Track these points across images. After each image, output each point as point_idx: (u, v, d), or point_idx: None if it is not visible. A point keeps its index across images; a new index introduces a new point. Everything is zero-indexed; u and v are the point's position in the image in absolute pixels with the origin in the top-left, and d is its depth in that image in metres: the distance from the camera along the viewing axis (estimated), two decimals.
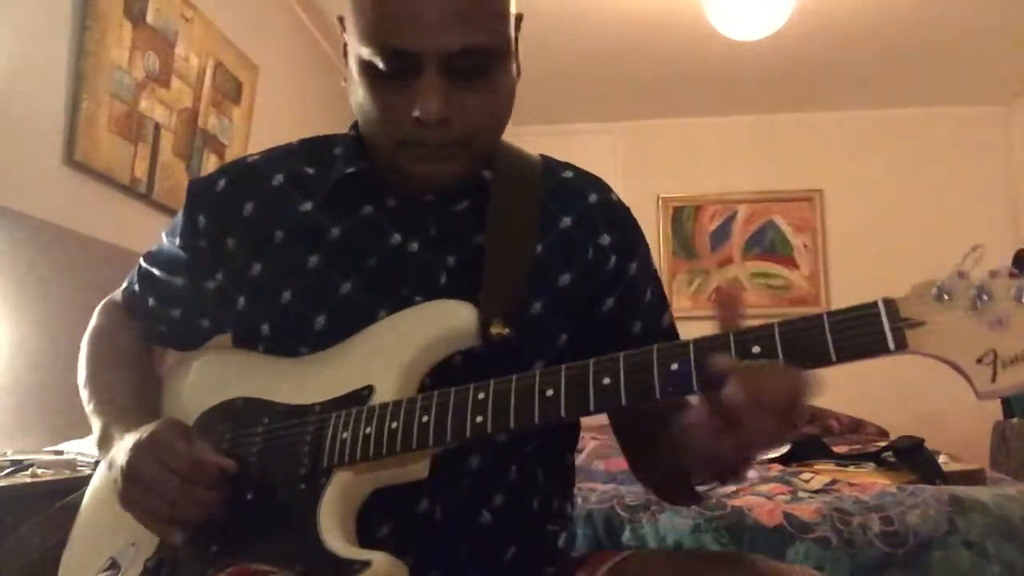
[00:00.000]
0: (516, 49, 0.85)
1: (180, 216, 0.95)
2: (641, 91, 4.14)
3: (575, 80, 4.00)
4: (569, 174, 0.96)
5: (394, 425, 0.72)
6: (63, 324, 1.72)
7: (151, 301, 0.99)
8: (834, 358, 0.62)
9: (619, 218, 0.94)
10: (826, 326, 0.63)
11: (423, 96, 0.76)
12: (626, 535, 1.58)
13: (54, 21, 1.86)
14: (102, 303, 1.06)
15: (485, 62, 0.78)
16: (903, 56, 3.71)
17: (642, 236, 0.96)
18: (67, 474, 1.33)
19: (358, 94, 0.82)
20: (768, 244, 4.36)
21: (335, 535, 0.70)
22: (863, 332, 0.62)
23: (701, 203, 4.43)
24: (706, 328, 0.68)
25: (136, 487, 0.76)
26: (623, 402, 0.67)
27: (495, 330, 0.77)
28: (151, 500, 0.75)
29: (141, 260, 1.01)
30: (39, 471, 1.32)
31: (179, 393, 0.92)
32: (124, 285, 1.04)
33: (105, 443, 0.85)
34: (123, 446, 0.78)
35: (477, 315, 0.78)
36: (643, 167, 4.44)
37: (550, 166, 0.96)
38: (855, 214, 4.22)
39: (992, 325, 0.60)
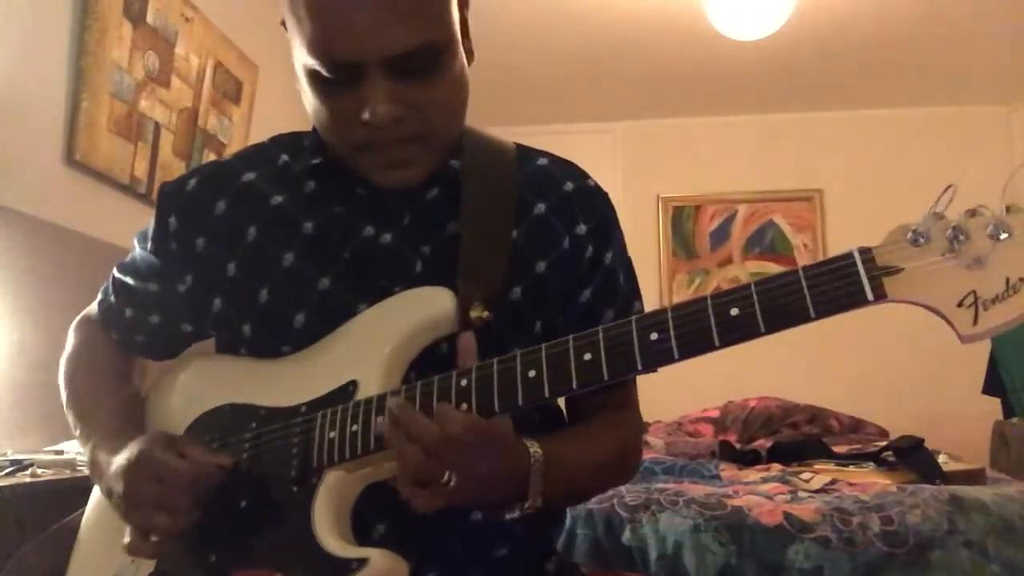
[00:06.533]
0: (466, 30, 0.84)
1: (152, 221, 0.93)
2: (641, 91, 4.13)
3: (575, 80, 3.99)
4: (544, 161, 0.95)
5: (380, 420, 0.71)
6: (63, 324, 1.70)
7: (128, 311, 0.96)
8: (813, 314, 0.60)
9: (596, 206, 0.92)
10: (803, 282, 0.61)
11: (370, 100, 0.75)
12: (626, 535, 1.57)
13: (54, 21, 1.86)
14: (76, 320, 1.04)
15: (431, 57, 0.77)
16: (903, 56, 3.71)
17: (617, 221, 0.95)
18: (67, 474, 1.33)
19: (309, 99, 0.82)
20: (768, 244, 4.36)
21: (331, 535, 0.69)
22: (840, 284, 0.60)
23: (701, 203, 4.42)
24: None
25: (140, 511, 0.75)
26: (605, 377, 0.66)
27: (475, 313, 0.76)
28: (159, 518, 0.74)
29: (115, 271, 0.99)
30: (39, 471, 1.32)
31: (164, 409, 0.91)
32: (99, 298, 1.01)
33: (95, 470, 0.84)
34: (115, 472, 0.77)
35: (455, 300, 0.77)
36: (643, 167, 4.43)
37: (525, 153, 0.95)
38: (855, 214, 4.21)
39: (971, 266, 0.57)
